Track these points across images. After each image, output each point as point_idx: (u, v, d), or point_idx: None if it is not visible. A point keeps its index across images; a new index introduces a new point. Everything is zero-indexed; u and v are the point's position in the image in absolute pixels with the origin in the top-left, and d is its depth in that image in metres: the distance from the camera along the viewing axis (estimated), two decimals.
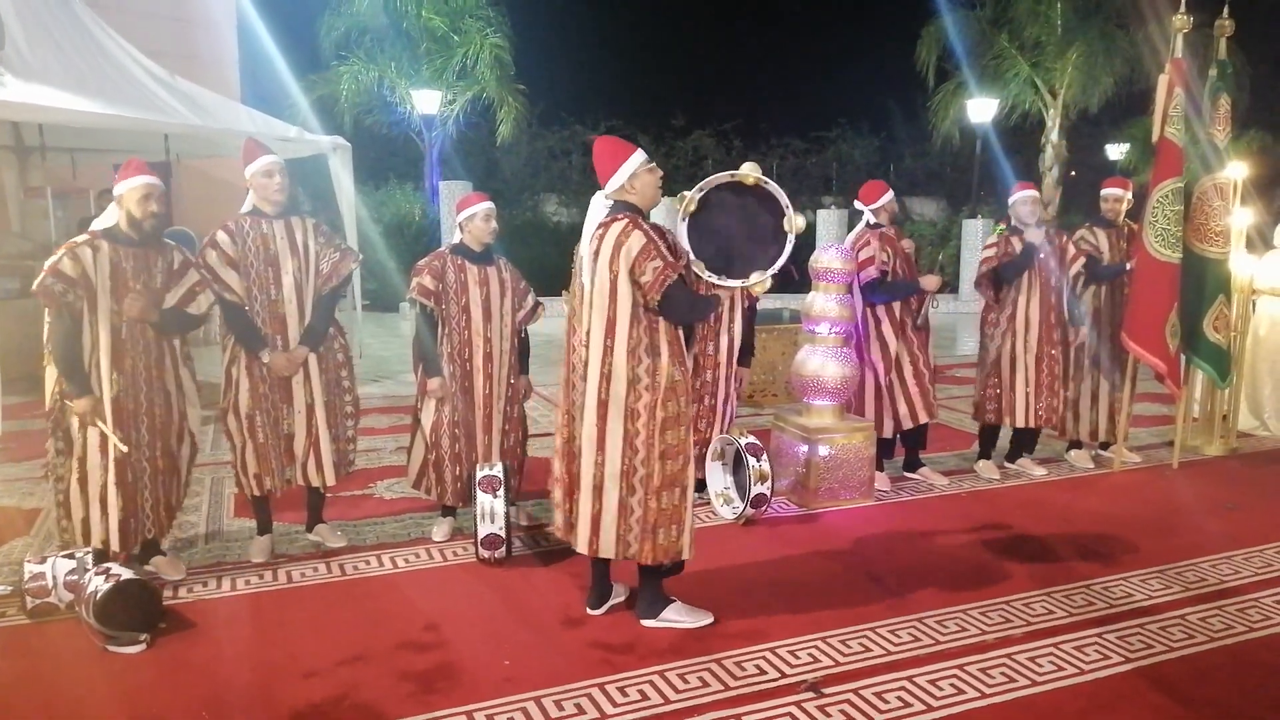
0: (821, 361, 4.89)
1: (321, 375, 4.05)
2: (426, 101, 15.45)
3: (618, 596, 3.66)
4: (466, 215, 4.24)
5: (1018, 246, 5.24)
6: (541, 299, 4.45)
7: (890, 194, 5.17)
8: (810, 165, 20.81)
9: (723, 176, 3.43)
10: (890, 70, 22.49)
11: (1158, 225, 5.33)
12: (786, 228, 3.30)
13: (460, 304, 4.18)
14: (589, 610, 3.61)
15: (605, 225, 3.30)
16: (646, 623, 3.48)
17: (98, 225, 3.67)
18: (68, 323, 3.53)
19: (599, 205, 3.36)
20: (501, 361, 4.30)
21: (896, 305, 5.14)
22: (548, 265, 14.47)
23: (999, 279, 5.34)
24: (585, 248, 3.35)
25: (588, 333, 3.32)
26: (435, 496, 4.34)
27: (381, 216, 15.32)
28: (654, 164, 3.37)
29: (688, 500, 3.40)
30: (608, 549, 3.38)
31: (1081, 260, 5.47)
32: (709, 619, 3.50)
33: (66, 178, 9.42)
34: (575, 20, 23.60)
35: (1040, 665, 3.19)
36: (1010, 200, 5.39)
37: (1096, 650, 3.31)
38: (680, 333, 3.37)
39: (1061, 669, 3.17)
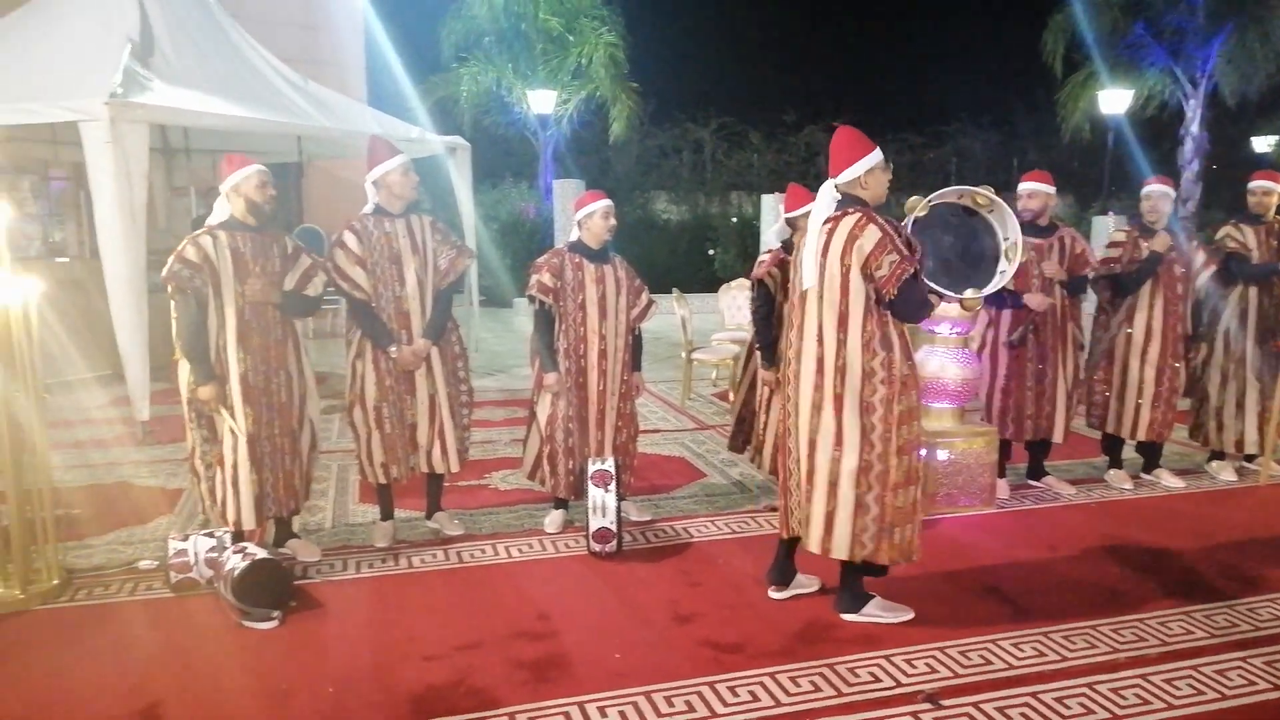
0: (941, 363, 4.75)
1: (442, 367, 4.18)
2: (542, 101, 15.71)
3: (804, 587, 3.68)
4: (585, 213, 4.29)
5: (1145, 249, 4.96)
6: (652, 296, 4.47)
7: (1034, 186, 4.82)
8: (928, 160, 20.25)
9: (955, 193, 3.42)
10: (1013, 62, 21.70)
11: None
12: (1008, 254, 3.24)
13: (577, 301, 4.24)
14: (770, 591, 3.66)
15: (835, 219, 3.23)
16: (848, 617, 3.48)
17: (212, 221, 3.83)
18: (193, 308, 3.71)
19: (827, 196, 3.29)
20: (615, 358, 4.34)
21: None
22: (658, 263, 14.57)
23: (1119, 286, 5.07)
24: (811, 242, 3.27)
25: (819, 327, 3.26)
26: (549, 488, 4.41)
27: (497, 215, 15.65)
28: (889, 165, 3.31)
29: (921, 498, 3.38)
30: (841, 549, 3.32)
31: (1211, 270, 5.14)
32: (909, 614, 3.48)
33: (208, 178, 10.00)
34: (687, 18, 23.63)
35: (1178, 688, 3.01)
36: (1141, 194, 5.10)
37: (1240, 675, 3.10)
38: (906, 327, 3.31)
39: (1201, 693, 2.99)
